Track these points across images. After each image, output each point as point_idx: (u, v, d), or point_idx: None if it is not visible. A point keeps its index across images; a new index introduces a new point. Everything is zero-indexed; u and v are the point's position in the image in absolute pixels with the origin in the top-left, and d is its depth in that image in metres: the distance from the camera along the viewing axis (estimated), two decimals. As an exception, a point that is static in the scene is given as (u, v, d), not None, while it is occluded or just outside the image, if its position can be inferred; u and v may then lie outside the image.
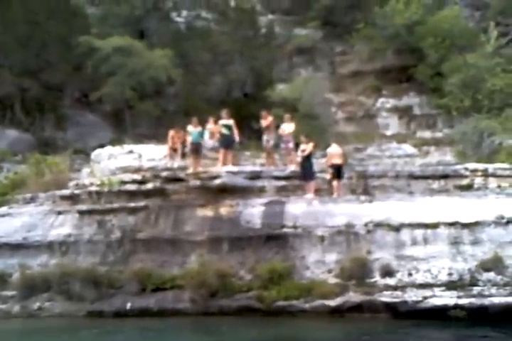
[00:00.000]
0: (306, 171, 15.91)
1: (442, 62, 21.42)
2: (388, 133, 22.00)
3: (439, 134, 21.18)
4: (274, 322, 12.40)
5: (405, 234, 13.73)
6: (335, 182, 15.82)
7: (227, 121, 17.01)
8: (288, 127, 17.12)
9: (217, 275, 13.52)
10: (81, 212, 16.08)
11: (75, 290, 14.08)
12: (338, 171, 15.95)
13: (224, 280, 13.53)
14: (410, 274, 13.05)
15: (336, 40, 26.37)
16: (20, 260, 15.21)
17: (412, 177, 16.27)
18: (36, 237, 15.72)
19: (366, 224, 14.06)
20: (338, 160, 16.07)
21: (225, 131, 16.91)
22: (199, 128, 17.22)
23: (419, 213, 14.07)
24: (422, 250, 13.41)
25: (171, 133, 17.74)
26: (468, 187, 15.74)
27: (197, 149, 16.84)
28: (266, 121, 17.49)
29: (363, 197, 15.38)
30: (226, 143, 16.89)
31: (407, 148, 18.53)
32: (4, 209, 17.38)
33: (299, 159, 16.25)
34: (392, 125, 22.49)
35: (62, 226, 15.91)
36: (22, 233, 15.87)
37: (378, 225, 13.99)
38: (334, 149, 16.33)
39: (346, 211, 14.60)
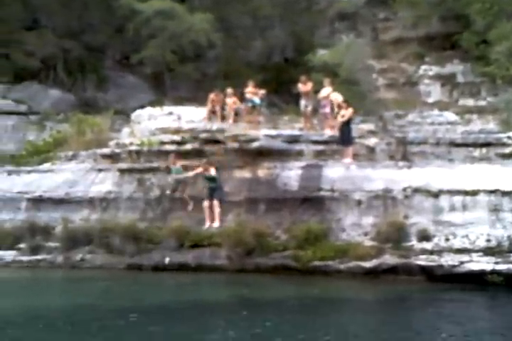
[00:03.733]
0: (345, 136, 15.84)
1: (489, 30, 20.77)
2: (430, 100, 21.56)
3: (482, 102, 20.71)
4: (309, 281, 12.54)
5: (444, 200, 13.64)
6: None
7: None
8: (324, 91, 17.05)
9: (253, 234, 13.70)
10: (121, 170, 16.37)
11: (115, 244, 14.47)
12: None
13: (260, 239, 13.72)
14: (447, 239, 13.03)
15: (379, 6, 25.78)
16: (63, 214, 15.69)
17: (453, 144, 16.10)
18: (78, 193, 16.12)
19: (404, 189, 14.01)
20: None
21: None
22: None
23: (458, 180, 13.95)
24: (460, 216, 13.34)
25: (211, 96, 17.85)
26: (511, 156, 15.50)
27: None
28: (305, 86, 17.42)
29: (401, 163, 15.31)
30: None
31: (449, 116, 18.21)
32: (47, 166, 17.85)
33: (338, 124, 16.17)
34: (435, 93, 22.03)
35: (103, 183, 16.27)
36: (64, 188, 16.29)
37: (416, 191, 13.93)
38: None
39: (384, 176, 14.56)
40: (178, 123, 17.66)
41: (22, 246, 15.09)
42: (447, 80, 22.18)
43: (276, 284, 12.19)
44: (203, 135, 16.42)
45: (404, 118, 18.04)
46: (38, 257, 14.78)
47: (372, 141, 16.42)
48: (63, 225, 15.18)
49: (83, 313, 9.28)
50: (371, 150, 16.25)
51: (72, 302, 10.10)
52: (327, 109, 17.03)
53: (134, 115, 19.07)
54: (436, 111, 18.69)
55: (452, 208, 13.55)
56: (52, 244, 14.99)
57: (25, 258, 14.76)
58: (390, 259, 12.92)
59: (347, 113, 15.99)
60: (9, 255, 14.95)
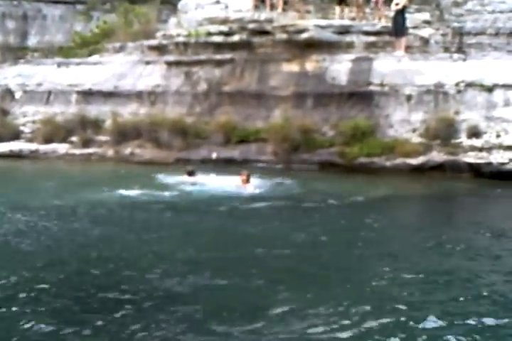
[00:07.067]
0: (398, 26, 15.14)
1: None
2: (492, -14, 20.25)
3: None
4: (354, 177, 12.58)
5: (498, 95, 13.25)
6: None
7: None
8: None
9: (300, 130, 13.72)
10: (168, 63, 16.28)
11: (163, 139, 14.73)
12: None
13: (307, 135, 13.74)
14: (498, 136, 12.77)
15: None
16: (112, 107, 15.91)
17: (514, 34, 15.20)
18: (126, 86, 16.26)
19: (457, 84, 13.59)
20: None
21: None
22: None
23: (516, 73, 13.38)
24: (514, 112, 12.96)
25: (259, -18, 17.11)
26: None
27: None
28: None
29: (456, 56, 14.69)
30: None
31: (512, 3, 17.08)
32: (96, 58, 17.88)
33: (391, 13, 15.42)
34: (498, -23, 20.62)
35: (151, 76, 16.27)
36: (113, 81, 16.43)
37: (470, 85, 13.52)
38: None
39: (437, 69, 14.09)
40: (226, 13, 17.19)
41: (74, 139, 15.53)
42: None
43: (321, 180, 12.21)
44: (251, 25, 16.00)
45: (463, 6, 16.98)
46: (90, 150, 15.21)
47: (426, 32, 15.67)
48: (113, 119, 15.46)
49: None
50: (425, 41, 15.56)
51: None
52: (381, -4, 16.19)
53: (180, 4, 18.60)
54: (498, -2, 17.52)
55: (506, 103, 13.20)
56: (102, 138, 15.37)
57: (77, 151, 15.23)
58: (437, 156, 12.83)
59: (402, 1, 15.18)
60: (62, 148, 15.43)
